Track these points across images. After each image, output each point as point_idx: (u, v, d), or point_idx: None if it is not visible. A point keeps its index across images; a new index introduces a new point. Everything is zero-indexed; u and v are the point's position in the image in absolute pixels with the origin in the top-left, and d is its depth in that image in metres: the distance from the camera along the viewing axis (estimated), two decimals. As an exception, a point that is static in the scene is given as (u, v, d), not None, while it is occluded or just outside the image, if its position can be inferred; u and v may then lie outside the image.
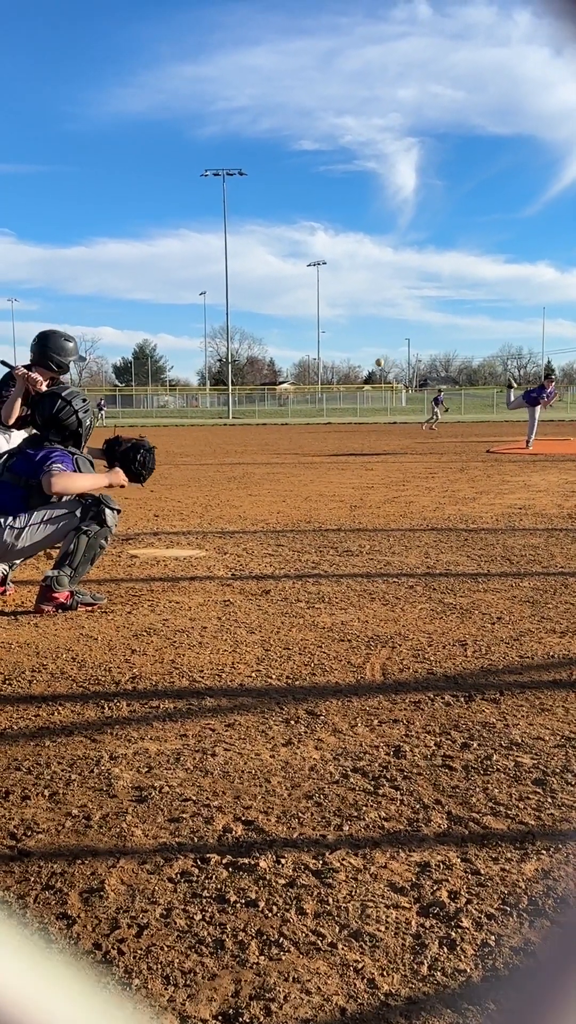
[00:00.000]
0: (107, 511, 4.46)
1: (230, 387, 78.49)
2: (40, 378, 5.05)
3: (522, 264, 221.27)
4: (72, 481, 4.42)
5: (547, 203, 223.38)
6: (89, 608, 4.37)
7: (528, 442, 17.89)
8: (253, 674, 3.26)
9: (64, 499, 4.45)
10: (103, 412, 56.65)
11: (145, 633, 3.87)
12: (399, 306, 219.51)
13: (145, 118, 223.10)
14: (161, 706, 2.93)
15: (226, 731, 2.69)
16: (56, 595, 4.31)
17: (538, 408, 18.20)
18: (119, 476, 4.73)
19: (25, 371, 5.04)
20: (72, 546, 4.40)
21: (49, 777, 2.36)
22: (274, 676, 3.23)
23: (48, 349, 5.22)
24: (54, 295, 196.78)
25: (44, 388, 4.97)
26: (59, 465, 4.37)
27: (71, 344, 5.36)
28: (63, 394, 4.64)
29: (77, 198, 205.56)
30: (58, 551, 4.52)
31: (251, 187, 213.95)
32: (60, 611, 4.30)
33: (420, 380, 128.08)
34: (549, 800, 2.18)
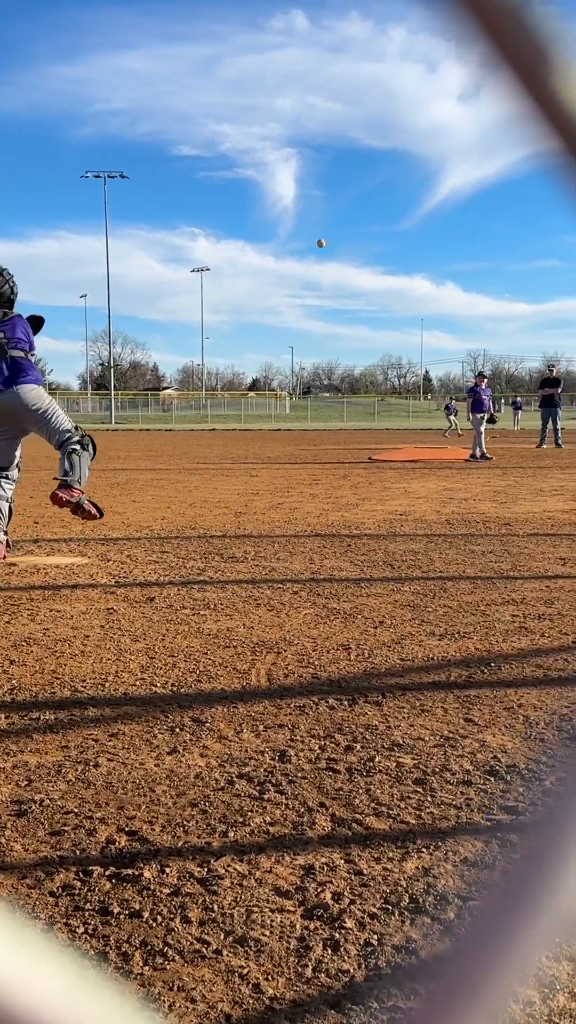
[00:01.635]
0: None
1: (112, 392, 77.44)
2: None
3: (399, 276, 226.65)
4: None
5: (423, 217, 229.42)
6: (96, 512, 5.07)
7: (481, 452, 17.25)
8: (137, 682, 3.23)
9: None
10: None
11: (24, 643, 3.78)
12: (281, 314, 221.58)
13: (20, 117, 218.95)
14: (41, 717, 2.87)
15: (109, 741, 2.65)
16: (72, 492, 4.92)
17: (479, 415, 17.61)
18: None
19: None
20: (79, 454, 5.04)
21: None
22: (159, 684, 3.21)
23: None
24: None
25: None
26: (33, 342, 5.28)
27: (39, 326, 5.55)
28: None
29: None
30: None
31: (132, 191, 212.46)
32: (74, 508, 4.94)
33: (303, 387, 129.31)
34: (429, 799, 2.23)
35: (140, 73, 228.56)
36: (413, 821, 2.11)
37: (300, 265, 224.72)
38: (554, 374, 22.81)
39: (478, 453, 17.17)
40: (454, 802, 2.21)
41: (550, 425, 21.92)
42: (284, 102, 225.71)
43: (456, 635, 3.88)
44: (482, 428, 17.50)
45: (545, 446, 21.85)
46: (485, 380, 18.71)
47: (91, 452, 5.08)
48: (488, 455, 17.26)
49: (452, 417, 36.68)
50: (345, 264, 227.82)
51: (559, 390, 22.10)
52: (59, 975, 0.24)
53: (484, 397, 17.99)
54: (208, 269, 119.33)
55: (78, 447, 4.95)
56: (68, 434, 5.01)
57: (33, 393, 4.99)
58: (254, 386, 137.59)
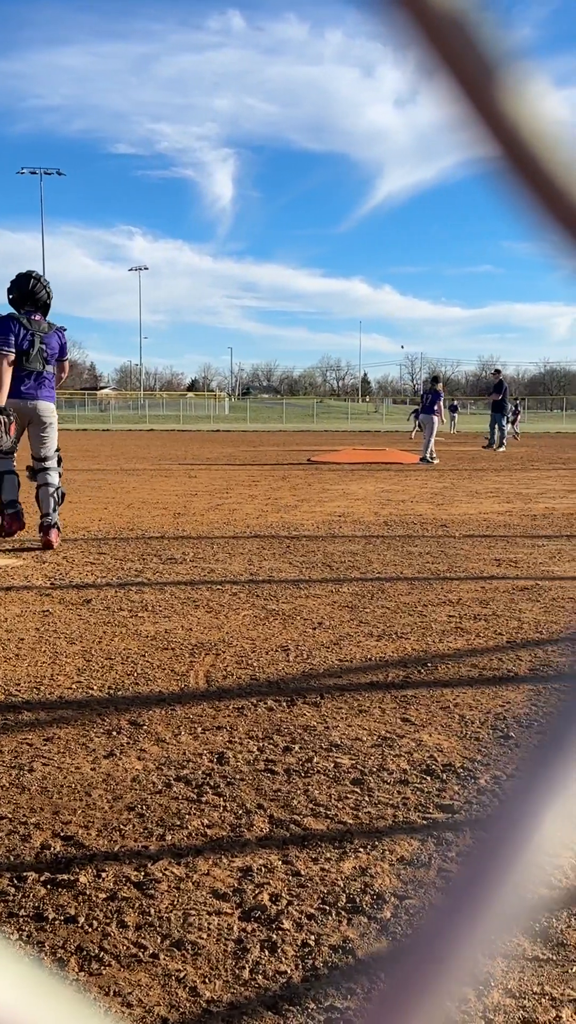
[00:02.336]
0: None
1: (50, 391, 76.35)
2: None
3: (338, 279, 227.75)
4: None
5: (360, 220, 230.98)
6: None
7: (431, 454, 17.33)
8: (74, 686, 3.19)
9: None
10: None
11: (-42, 646, 3.71)
12: (220, 314, 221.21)
13: None
14: (-25, 721, 2.81)
15: (44, 745, 2.61)
16: (58, 536, 6.33)
17: (435, 417, 17.77)
18: None
19: None
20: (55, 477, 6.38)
21: None
22: (95, 687, 3.17)
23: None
24: None
25: None
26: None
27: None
28: (33, 274, 5.98)
29: None
30: None
31: (68, 188, 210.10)
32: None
33: (243, 389, 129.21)
34: (366, 799, 2.24)
35: (76, 70, 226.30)
36: (351, 821, 2.12)
37: (238, 266, 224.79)
38: (498, 379, 23.47)
39: (429, 456, 17.37)
40: (391, 801, 2.23)
41: (497, 427, 22.80)
42: (222, 102, 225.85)
43: (394, 635, 3.91)
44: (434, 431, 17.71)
45: (504, 448, 22.78)
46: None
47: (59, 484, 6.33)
48: (433, 458, 17.43)
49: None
50: (283, 266, 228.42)
51: (497, 397, 22.76)
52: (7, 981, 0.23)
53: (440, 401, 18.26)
54: (147, 268, 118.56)
55: (53, 483, 6.15)
56: (51, 460, 6.21)
57: (51, 410, 6.14)
58: (193, 386, 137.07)
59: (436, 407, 17.56)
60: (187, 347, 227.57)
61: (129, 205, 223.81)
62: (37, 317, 6.03)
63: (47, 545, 6.11)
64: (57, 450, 6.24)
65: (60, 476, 6.27)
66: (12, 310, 6.04)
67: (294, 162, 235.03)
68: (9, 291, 6.05)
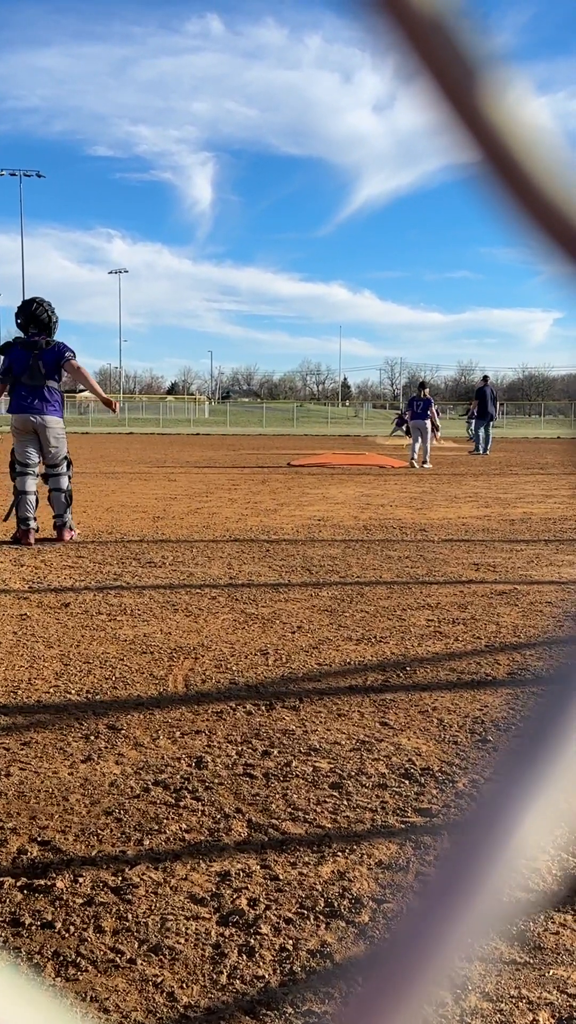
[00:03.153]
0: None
1: (29, 394, 76.01)
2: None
3: (317, 283, 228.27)
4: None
5: (339, 225, 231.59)
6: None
7: (426, 459, 17.59)
8: (51, 690, 3.17)
9: None
10: None
11: None
12: (200, 318, 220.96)
13: None
14: (-49, 726, 2.79)
15: (22, 750, 2.60)
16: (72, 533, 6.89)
17: (427, 422, 18.01)
18: None
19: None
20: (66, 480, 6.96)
21: None
22: (73, 691, 3.16)
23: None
24: None
25: None
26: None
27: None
28: (36, 298, 6.66)
29: None
30: None
31: (46, 189, 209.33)
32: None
33: (223, 392, 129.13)
34: (345, 803, 2.24)
35: (54, 71, 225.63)
36: (329, 825, 2.12)
37: (218, 270, 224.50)
38: (485, 384, 23.82)
39: (423, 458, 17.60)
40: (369, 805, 2.23)
41: (482, 433, 22.96)
42: (201, 106, 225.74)
43: (373, 639, 3.92)
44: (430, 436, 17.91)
45: (489, 452, 22.99)
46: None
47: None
48: (415, 464, 17.55)
49: (402, 428, 36.97)
50: (263, 270, 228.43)
51: (474, 403, 23.12)
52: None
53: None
54: (127, 271, 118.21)
55: (63, 487, 6.77)
56: (61, 467, 6.77)
57: (59, 423, 6.72)
58: (172, 390, 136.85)
59: (429, 412, 17.72)
60: (166, 350, 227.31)
61: (108, 207, 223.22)
62: (37, 338, 6.68)
63: (60, 540, 6.75)
64: (66, 456, 6.86)
65: (70, 479, 6.88)
66: (20, 333, 6.81)
67: (273, 166, 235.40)
68: (16, 316, 6.79)
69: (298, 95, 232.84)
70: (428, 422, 17.70)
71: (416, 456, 17.55)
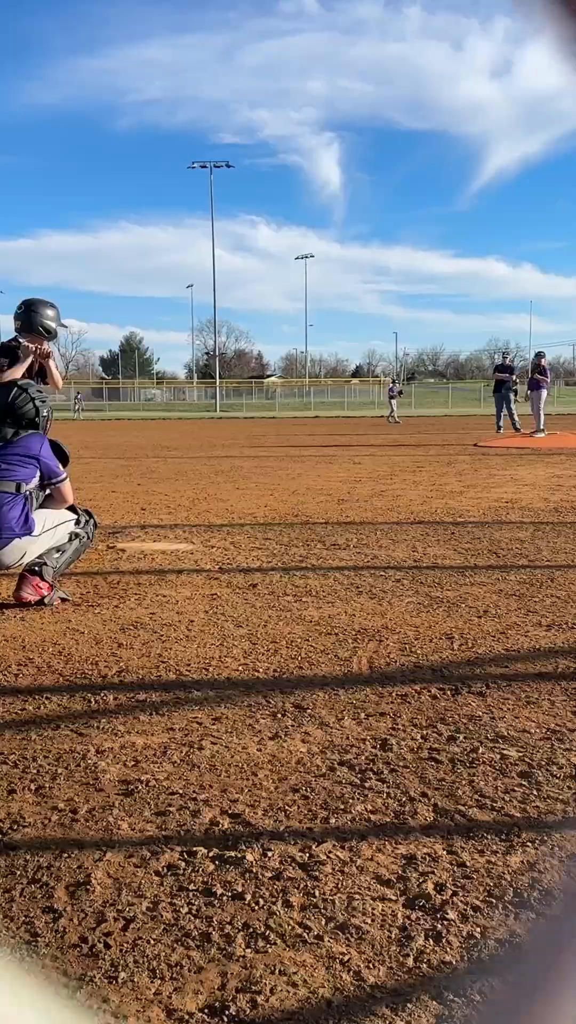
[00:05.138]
0: (95, 522, 4.91)
1: (218, 380, 78.41)
2: (47, 346, 5.34)
3: (471, 258, 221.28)
4: (70, 486, 4.78)
5: (478, 197, 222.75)
6: (63, 601, 4.35)
7: (540, 429, 17.97)
8: (240, 668, 3.26)
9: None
10: (81, 406, 56.45)
11: (132, 627, 3.87)
12: (359, 300, 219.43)
13: (59, 110, 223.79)
14: (148, 700, 2.93)
15: (213, 725, 2.69)
16: (41, 585, 4.29)
17: (543, 392, 18.21)
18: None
19: (33, 342, 5.26)
20: (65, 546, 4.60)
21: (35, 771, 2.36)
22: (261, 670, 3.24)
23: (38, 315, 5.38)
24: (7, 287, 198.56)
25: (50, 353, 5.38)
26: (60, 469, 4.69)
27: (56, 310, 5.51)
28: (19, 383, 4.67)
29: (9, 189, 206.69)
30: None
31: (185, 179, 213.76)
32: (38, 603, 4.27)
33: (408, 374, 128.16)
34: (534, 793, 2.18)
35: (163, 63, 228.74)
36: (518, 814, 2.07)
37: (367, 250, 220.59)
38: (507, 361, 23.38)
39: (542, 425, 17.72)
40: (561, 796, 2.16)
41: (504, 410, 22.64)
42: (315, 84, 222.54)
43: (564, 626, 3.78)
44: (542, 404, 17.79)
45: (502, 432, 22.36)
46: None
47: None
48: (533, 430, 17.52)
49: (393, 402, 35.88)
50: (412, 248, 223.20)
51: (513, 376, 22.75)
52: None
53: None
54: (312, 256, 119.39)
55: (87, 533, 4.76)
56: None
57: (15, 549, 4.39)
58: (357, 373, 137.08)
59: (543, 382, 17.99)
60: (335, 334, 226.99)
61: (245, 194, 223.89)
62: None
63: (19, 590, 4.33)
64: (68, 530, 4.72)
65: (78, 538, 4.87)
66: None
67: (397, 142, 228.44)
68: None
69: (410, 66, 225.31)
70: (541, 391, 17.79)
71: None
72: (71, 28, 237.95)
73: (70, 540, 4.63)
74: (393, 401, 36.08)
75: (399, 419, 35.53)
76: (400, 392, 37.86)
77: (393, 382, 42.44)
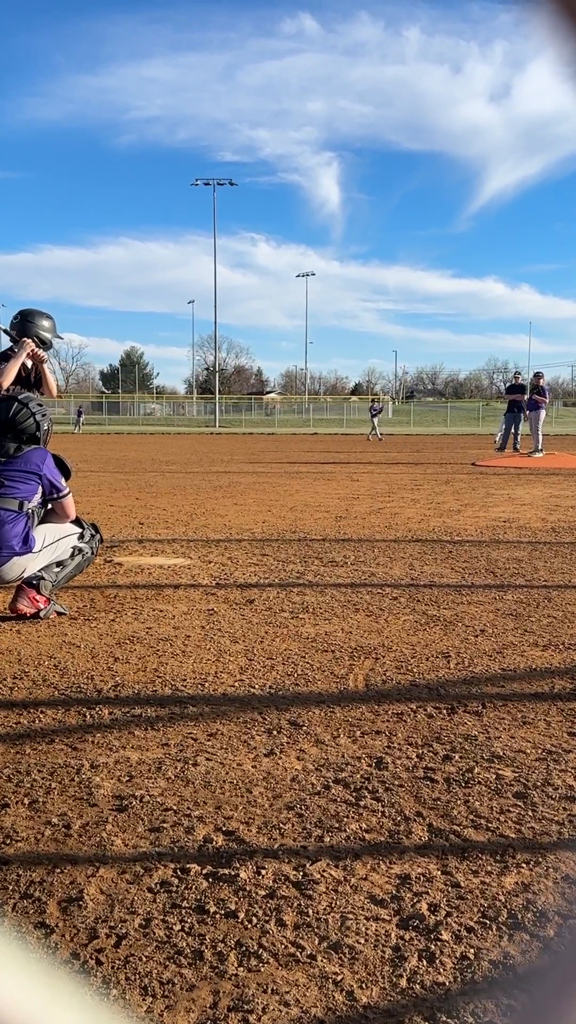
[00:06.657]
0: (100, 537, 4.87)
1: (217, 396, 78.58)
2: (43, 352, 5.37)
3: (470, 279, 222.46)
4: (72, 501, 4.77)
5: (475, 218, 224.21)
6: (59, 615, 4.35)
7: (539, 449, 18.12)
8: (236, 684, 3.26)
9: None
10: (82, 419, 56.57)
11: (128, 641, 3.86)
12: (357, 318, 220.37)
13: (60, 126, 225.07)
14: (143, 715, 2.92)
15: (208, 741, 2.68)
16: (38, 598, 4.28)
17: (541, 412, 18.37)
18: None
19: (32, 341, 5.29)
20: (67, 561, 4.58)
21: (29, 785, 2.35)
22: (257, 686, 3.23)
23: (32, 324, 5.41)
24: (7, 300, 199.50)
25: (44, 359, 5.42)
26: (63, 484, 4.66)
27: (52, 321, 5.55)
28: (19, 397, 4.63)
29: (10, 203, 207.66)
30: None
31: (186, 196, 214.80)
32: (34, 616, 4.26)
33: (406, 392, 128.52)
34: (530, 813, 2.18)
35: (164, 81, 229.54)
36: (513, 835, 2.07)
37: (366, 269, 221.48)
38: (518, 381, 23.59)
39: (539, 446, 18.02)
40: (556, 818, 2.16)
41: (512, 430, 22.70)
42: (315, 105, 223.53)
43: (561, 646, 3.78)
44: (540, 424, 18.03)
45: (506, 451, 22.46)
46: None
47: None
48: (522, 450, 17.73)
49: (375, 419, 36.38)
50: (410, 268, 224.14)
51: (524, 397, 22.39)
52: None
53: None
54: (313, 274, 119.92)
55: (90, 548, 4.70)
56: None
57: (15, 566, 4.35)
58: (356, 390, 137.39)
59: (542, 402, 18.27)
60: (331, 351, 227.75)
61: (244, 212, 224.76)
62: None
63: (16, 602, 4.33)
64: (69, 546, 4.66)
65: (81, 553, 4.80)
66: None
67: (396, 163, 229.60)
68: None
69: (409, 89, 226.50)
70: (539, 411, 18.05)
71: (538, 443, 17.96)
72: (72, 45, 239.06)
73: (72, 556, 4.60)
74: (375, 419, 36.53)
75: (382, 436, 35.95)
76: (381, 410, 38.35)
77: (374, 400, 42.93)
